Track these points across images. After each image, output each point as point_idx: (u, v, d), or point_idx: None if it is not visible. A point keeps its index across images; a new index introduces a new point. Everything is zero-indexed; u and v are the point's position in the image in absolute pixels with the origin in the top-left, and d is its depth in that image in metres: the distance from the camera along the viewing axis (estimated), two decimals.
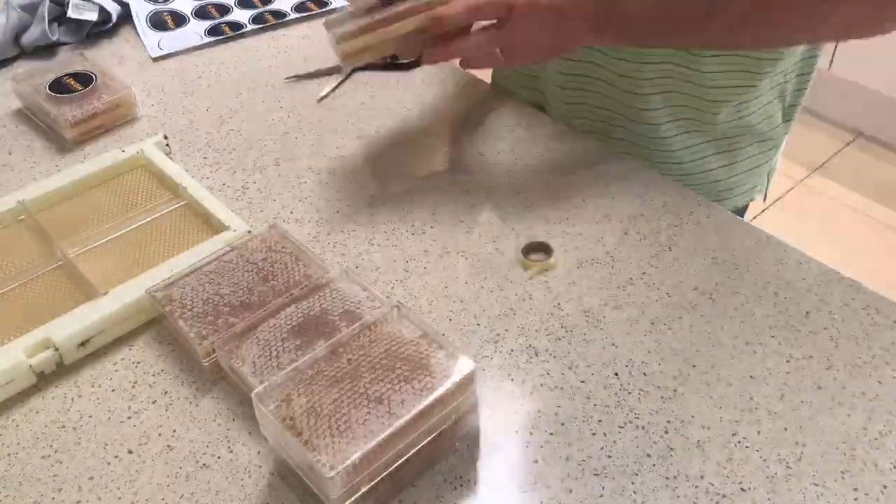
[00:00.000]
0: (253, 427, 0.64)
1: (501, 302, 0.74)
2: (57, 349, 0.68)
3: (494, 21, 0.76)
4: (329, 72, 1.03)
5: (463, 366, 0.60)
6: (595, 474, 0.61)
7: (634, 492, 0.59)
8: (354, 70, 1.03)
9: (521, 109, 0.97)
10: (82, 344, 0.69)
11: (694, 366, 0.68)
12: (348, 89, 1.02)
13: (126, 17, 1.16)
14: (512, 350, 0.69)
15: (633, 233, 0.80)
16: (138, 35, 1.13)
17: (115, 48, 1.12)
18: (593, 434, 0.63)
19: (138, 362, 0.70)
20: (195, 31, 1.13)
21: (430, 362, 0.61)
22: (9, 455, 0.63)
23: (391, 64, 1.04)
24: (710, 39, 0.78)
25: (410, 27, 0.76)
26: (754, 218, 2.23)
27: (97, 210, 0.83)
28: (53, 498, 0.60)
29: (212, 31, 1.13)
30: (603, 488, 0.60)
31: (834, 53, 2.42)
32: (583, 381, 0.67)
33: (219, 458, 0.63)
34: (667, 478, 0.60)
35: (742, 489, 0.59)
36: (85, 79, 0.98)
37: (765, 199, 1.07)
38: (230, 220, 0.79)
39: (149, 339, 0.72)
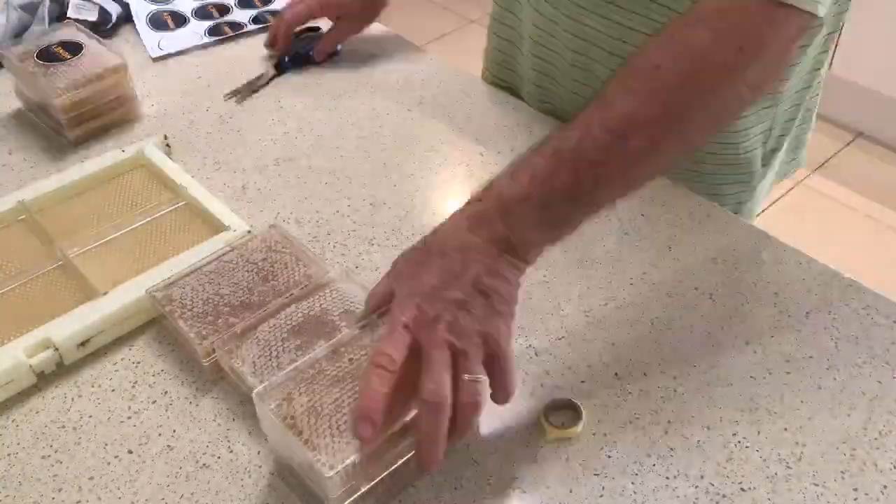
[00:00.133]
0: (253, 427, 0.64)
1: None
2: (57, 349, 0.68)
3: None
4: (267, 82, 1.03)
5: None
6: (595, 474, 0.61)
7: (634, 492, 0.59)
8: (276, 75, 1.04)
9: (522, 109, 0.97)
10: (82, 344, 0.69)
11: (694, 366, 0.68)
12: (348, 89, 1.02)
13: (126, 17, 1.16)
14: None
15: (633, 233, 0.80)
16: (138, 35, 1.13)
17: (114, 48, 1.12)
18: (593, 434, 0.63)
19: (138, 362, 0.70)
20: (195, 31, 1.13)
21: None
22: (9, 455, 0.63)
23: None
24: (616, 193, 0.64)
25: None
26: (754, 218, 2.23)
27: (97, 210, 0.83)
28: (53, 498, 0.60)
29: (212, 31, 1.13)
30: (603, 488, 0.60)
31: (834, 54, 2.42)
32: (583, 381, 0.67)
33: (219, 458, 0.63)
34: (667, 478, 0.60)
35: (742, 489, 0.59)
36: (74, 47, 0.96)
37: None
38: (230, 220, 0.79)
39: (149, 339, 0.72)
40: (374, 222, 0.83)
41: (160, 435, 0.64)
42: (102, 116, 0.95)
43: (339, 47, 1.08)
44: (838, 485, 0.60)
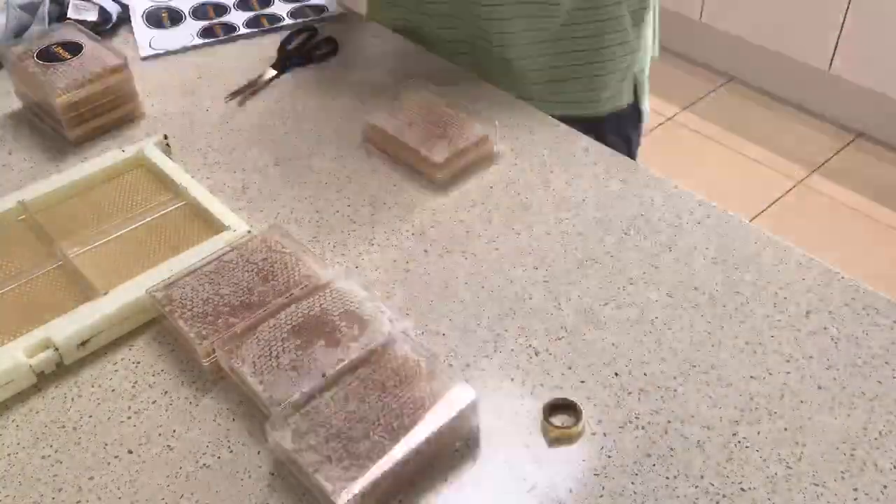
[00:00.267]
0: (253, 427, 0.64)
1: (501, 302, 0.74)
2: (57, 349, 0.68)
3: None
4: (267, 82, 1.03)
5: (465, 394, 0.62)
6: (595, 474, 0.61)
7: (634, 492, 0.59)
8: (276, 75, 1.04)
9: (523, 109, 0.97)
10: (82, 344, 0.69)
11: (694, 366, 0.68)
12: (348, 89, 1.02)
13: (126, 17, 1.16)
14: (512, 350, 0.69)
15: (633, 233, 0.80)
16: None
17: (114, 48, 1.12)
18: (593, 434, 0.63)
19: (138, 362, 0.70)
20: (188, 31, 1.13)
21: (434, 388, 0.62)
22: (9, 455, 0.63)
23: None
24: None
25: None
26: (754, 218, 2.23)
27: (97, 210, 0.83)
28: (53, 498, 0.60)
29: (204, 33, 1.13)
30: (603, 488, 0.60)
31: (834, 53, 2.42)
32: (583, 381, 0.67)
33: (219, 458, 0.63)
34: (667, 478, 0.60)
35: (742, 489, 0.59)
36: (74, 47, 0.96)
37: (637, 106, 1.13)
38: (230, 220, 0.79)
39: (149, 339, 0.72)
40: (374, 222, 0.83)
41: (160, 435, 0.64)
42: (102, 116, 0.95)
43: (338, 47, 1.08)
44: (838, 485, 0.60)
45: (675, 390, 0.66)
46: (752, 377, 0.67)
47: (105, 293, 0.72)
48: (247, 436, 0.64)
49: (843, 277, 0.75)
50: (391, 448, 0.58)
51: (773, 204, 2.32)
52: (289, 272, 0.73)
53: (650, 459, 0.61)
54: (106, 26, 1.13)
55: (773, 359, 0.68)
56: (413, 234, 0.81)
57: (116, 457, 0.63)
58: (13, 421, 0.66)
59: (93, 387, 0.68)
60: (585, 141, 0.92)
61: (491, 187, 0.86)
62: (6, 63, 0.97)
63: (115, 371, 0.69)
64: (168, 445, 0.64)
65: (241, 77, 1.04)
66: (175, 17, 1.16)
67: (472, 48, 1.06)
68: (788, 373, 0.67)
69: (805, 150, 2.48)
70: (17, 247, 0.79)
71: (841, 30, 2.35)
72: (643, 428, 0.63)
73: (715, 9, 2.64)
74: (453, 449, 0.62)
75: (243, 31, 1.13)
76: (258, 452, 0.63)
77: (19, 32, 1.08)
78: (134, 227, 0.81)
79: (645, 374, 0.67)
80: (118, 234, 0.80)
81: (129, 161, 0.88)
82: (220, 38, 1.12)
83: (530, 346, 0.70)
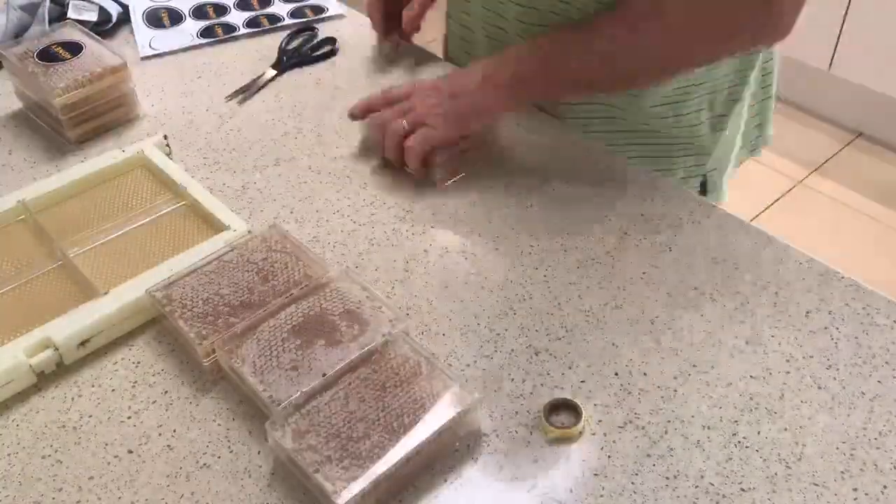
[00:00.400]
0: (253, 427, 0.64)
1: (501, 302, 0.74)
2: (57, 349, 0.68)
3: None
4: (267, 82, 1.03)
5: (465, 394, 0.62)
6: (595, 474, 0.61)
7: (634, 492, 0.59)
8: (276, 75, 1.04)
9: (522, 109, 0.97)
10: (82, 344, 0.69)
11: (694, 366, 0.68)
12: (348, 89, 1.02)
13: (126, 17, 1.16)
14: (512, 350, 0.69)
15: (633, 233, 0.80)
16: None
17: (114, 49, 1.12)
18: (593, 434, 0.63)
19: (138, 362, 0.70)
20: (188, 31, 1.13)
21: (435, 388, 0.62)
22: (9, 455, 0.63)
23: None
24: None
25: None
26: (754, 218, 2.23)
27: (97, 210, 0.83)
28: (53, 498, 0.60)
29: (204, 33, 1.13)
30: (603, 488, 0.60)
31: (834, 53, 2.42)
32: (583, 381, 0.67)
33: (219, 458, 0.63)
34: (667, 478, 0.60)
35: (742, 489, 0.59)
36: (74, 47, 0.96)
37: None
38: (230, 220, 0.79)
39: (149, 339, 0.72)
40: (374, 222, 0.83)
41: (160, 435, 0.64)
42: (102, 116, 0.95)
43: (338, 47, 1.08)
44: (838, 485, 0.60)
45: (675, 390, 0.66)
46: (752, 377, 0.67)
47: (105, 293, 0.72)
48: (247, 436, 0.64)
49: (843, 277, 0.75)
50: (391, 448, 0.58)
51: (773, 204, 2.32)
52: (289, 272, 0.73)
53: (650, 459, 0.61)
54: (106, 26, 1.13)
55: (773, 359, 0.68)
56: (413, 233, 0.81)
57: (116, 457, 0.63)
58: (13, 421, 0.66)
59: (93, 387, 0.68)
60: (585, 141, 0.92)
61: (491, 187, 0.86)
62: (6, 63, 0.97)
63: (115, 371, 0.69)
64: (168, 445, 0.64)
65: (241, 77, 1.04)
66: (175, 17, 1.16)
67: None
68: (788, 373, 0.67)
69: (805, 149, 2.48)
70: (17, 247, 0.79)
71: (841, 30, 2.35)
72: (643, 428, 0.63)
73: None
74: (453, 449, 0.62)
75: (243, 31, 1.13)
76: (258, 452, 0.63)
77: (19, 32, 1.08)
78: (134, 227, 0.81)
79: (645, 374, 0.67)
80: (118, 234, 0.80)
81: (129, 161, 0.88)
82: (220, 38, 1.12)
83: (530, 346, 0.70)
